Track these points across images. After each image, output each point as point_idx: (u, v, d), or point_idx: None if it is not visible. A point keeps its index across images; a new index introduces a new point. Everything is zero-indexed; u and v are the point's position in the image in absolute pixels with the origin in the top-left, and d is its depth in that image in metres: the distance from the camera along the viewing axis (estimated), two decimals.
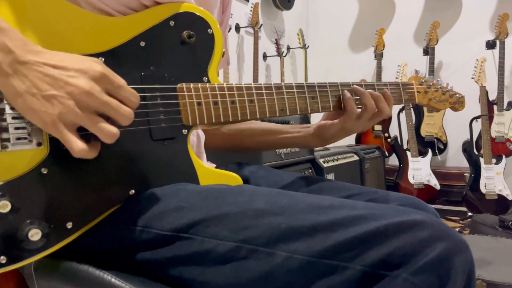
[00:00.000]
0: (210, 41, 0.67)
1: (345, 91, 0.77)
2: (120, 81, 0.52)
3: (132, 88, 0.54)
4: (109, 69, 0.52)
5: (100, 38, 0.58)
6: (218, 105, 0.65)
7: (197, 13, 0.65)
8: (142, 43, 0.61)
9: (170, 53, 0.63)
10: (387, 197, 0.71)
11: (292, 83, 0.73)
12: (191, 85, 0.63)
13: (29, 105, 0.47)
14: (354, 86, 0.78)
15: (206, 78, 0.66)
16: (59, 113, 0.47)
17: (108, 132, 0.50)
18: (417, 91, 0.88)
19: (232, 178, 0.66)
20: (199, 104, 0.64)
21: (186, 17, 0.64)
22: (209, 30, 0.66)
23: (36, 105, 0.47)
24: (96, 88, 0.49)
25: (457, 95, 0.95)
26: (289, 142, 0.87)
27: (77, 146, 0.48)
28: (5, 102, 0.50)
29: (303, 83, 0.74)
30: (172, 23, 0.63)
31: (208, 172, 0.65)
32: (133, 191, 0.59)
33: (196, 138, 0.79)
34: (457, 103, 0.96)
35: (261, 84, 0.70)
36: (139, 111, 0.58)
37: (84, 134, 0.51)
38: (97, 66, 0.50)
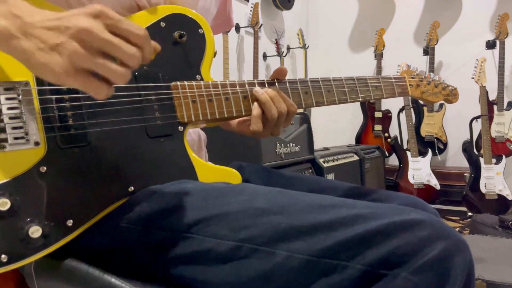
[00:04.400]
0: (201, 40, 0.68)
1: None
2: (117, 15, 0.49)
3: (127, 87, 0.54)
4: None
5: None
6: (213, 102, 0.66)
7: (188, 15, 0.67)
8: None
9: (162, 53, 0.64)
10: (387, 197, 0.71)
11: (285, 79, 0.74)
12: (186, 82, 0.65)
13: (40, 60, 0.46)
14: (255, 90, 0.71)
15: (200, 76, 0.67)
16: (67, 59, 0.46)
17: (119, 71, 0.47)
18: (410, 84, 0.90)
19: (231, 174, 0.66)
20: (193, 101, 0.65)
21: (176, 18, 0.66)
22: (199, 30, 0.68)
23: (45, 58, 0.46)
24: (95, 25, 0.47)
25: (450, 87, 0.96)
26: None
27: (102, 89, 0.47)
28: (2, 103, 0.50)
29: (296, 79, 0.74)
30: (163, 24, 0.65)
31: (207, 168, 0.66)
32: (132, 187, 0.59)
33: (197, 139, 0.79)
34: (451, 95, 0.96)
35: (254, 80, 0.71)
36: (134, 107, 0.59)
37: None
38: (96, 5, 0.48)
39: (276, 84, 0.73)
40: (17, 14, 0.47)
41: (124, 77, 0.48)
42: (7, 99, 0.50)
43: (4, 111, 0.50)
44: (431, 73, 0.94)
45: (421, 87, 0.91)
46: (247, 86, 0.70)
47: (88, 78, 0.47)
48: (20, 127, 0.51)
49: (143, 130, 0.61)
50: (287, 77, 0.74)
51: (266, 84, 0.72)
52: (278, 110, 0.69)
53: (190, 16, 0.67)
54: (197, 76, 0.67)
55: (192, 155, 0.65)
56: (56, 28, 0.47)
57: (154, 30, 0.64)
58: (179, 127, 0.64)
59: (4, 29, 0.46)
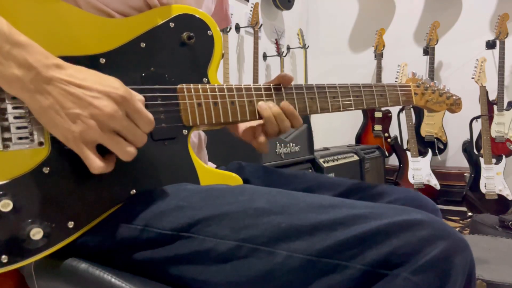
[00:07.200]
0: (209, 42, 0.67)
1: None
2: (138, 104, 0.53)
3: (132, 88, 0.54)
4: (129, 89, 0.53)
5: (101, 39, 0.58)
6: (218, 106, 0.66)
7: (197, 15, 0.66)
8: (143, 44, 0.61)
9: (170, 54, 0.64)
10: (386, 191, 0.71)
11: (291, 85, 0.74)
12: (191, 85, 0.64)
13: (53, 121, 0.48)
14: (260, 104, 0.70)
15: (206, 79, 0.67)
16: (81, 131, 0.49)
17: (127, 151, 0.52)
18: (414, 93, 0.89)
19: (232, 178, 0.66)
20: (199, 104, 0.64)
21: (186, 19, 0.65)
22: (208, 32, 0.67)
23: (59, 121, 0.48)
24: (118, 112, 0.50)
25: (454, 97, 0.96)
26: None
27: (96, 164, 0.50)
28: (7, 102, 0.50)
29: (302, 84, 0.74)
30: (172, 24, 0.64)
31: (209, 172, 0.65)
32: (134, 190, 0.59)
33: (197, 140, 0.79)
34: (454, 105, 0.97)
35: (260, 85, 0.70)
36: None
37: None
38: (120, 89, 0.51)
39: (282, 89, 0.72)
40: (32, 65, 0.47)
41: (132, 155, 0.53)
42: (13, 98, 0.50)
43: (9, 110, 0.50)
44: (435, 81, 0.94)
45: (426, 96, 0.91)
46: (253, 90, 0.69)
47: (93, 149, 0.51)
48: (25, 127, 0.51)
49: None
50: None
51: (272, 89, 0.71)
52: (281, 127, 0.70)
53: (199, 17, 0.66)
54: (203, 79, 0.66)
55: (195, 159, 0.65)
56: (78, 99, 0.49)
57: (162, 30, 0.63)
58: (184, 130, 0.64)
59: (16, 79, 0.47)
